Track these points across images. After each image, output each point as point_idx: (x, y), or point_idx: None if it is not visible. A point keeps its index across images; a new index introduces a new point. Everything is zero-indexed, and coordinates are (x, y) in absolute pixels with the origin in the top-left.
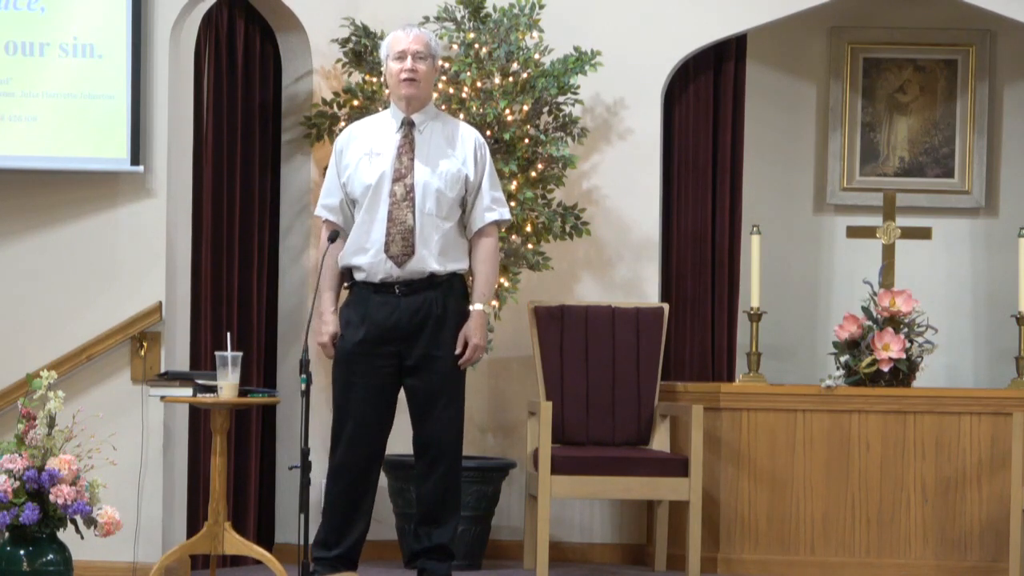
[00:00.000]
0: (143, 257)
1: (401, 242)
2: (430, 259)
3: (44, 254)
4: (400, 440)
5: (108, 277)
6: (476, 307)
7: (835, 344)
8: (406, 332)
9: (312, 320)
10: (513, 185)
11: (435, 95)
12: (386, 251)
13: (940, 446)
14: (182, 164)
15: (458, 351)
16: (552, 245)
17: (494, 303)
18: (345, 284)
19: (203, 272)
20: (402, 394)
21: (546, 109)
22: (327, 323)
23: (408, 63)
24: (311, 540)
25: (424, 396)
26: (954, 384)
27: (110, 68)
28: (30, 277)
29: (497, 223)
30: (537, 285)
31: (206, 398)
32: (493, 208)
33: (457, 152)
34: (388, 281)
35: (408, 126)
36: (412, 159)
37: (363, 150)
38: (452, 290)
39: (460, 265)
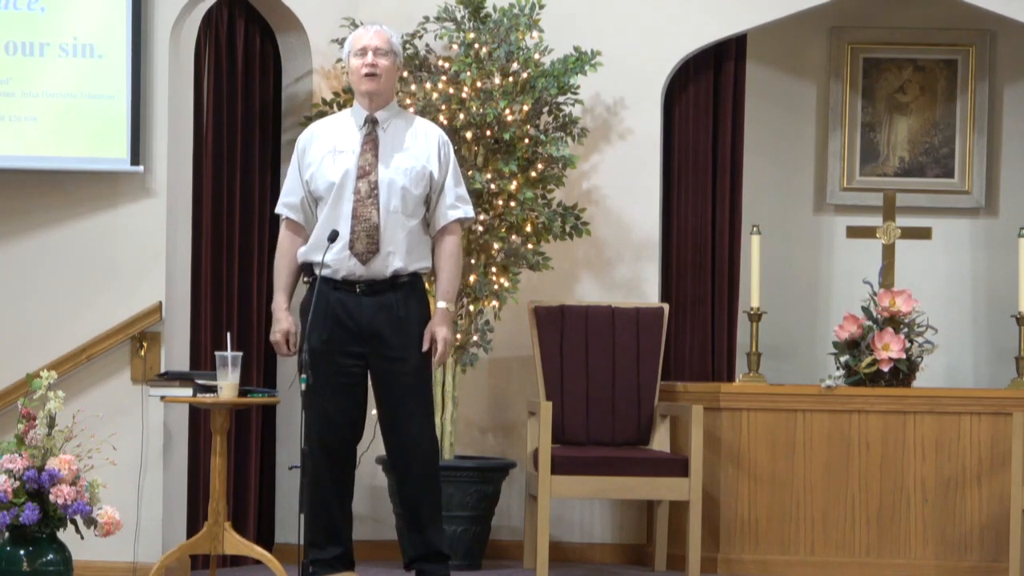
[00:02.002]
0: (143, 257)
1: (366, 239)
2: (395, 257)
3: (44, 254)
4: None
5: (108, 277)
6: (440, 304)
7: (835, 344)
8: (368, 333)
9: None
10: (513, 185)
11: (435, 95)
12: (351, 248)
13: (940, 446)
14: (182, 164)
15: (425, 347)
16: (552, 245)
17: (494, 303)
18: (304, 279)
19: (203, 272)
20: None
21: (546, 109)
22: (279, 320)
23: (369, 58)
24: (306, 544)
25: (391, 401)
26: (954, 384)
27: (110, 68)
28: (30, 277)
29: (461, 221)
30: (537, 285)
31: (206, 398)
32: (457, 206)
33: (421, 149)
34: (350, 279)
35: (371, 123)
36: (376, 156)
37: (326, 148)
38: (414, 292)
39: (423, 264)
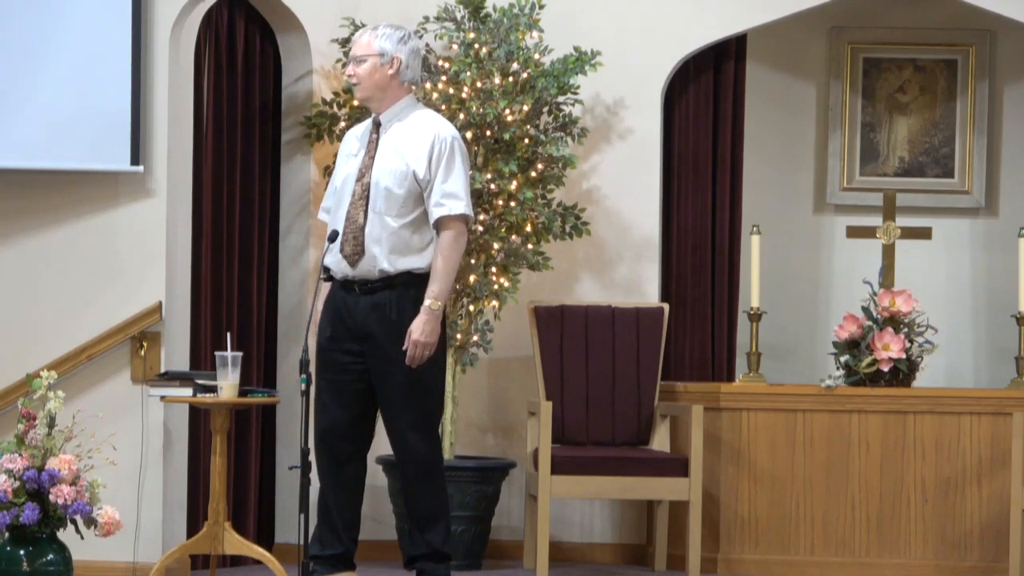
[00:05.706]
0: (143, 257)
1: (352, 241)
2: (380, 258)
3: (44, 254)
4: None
5: (108, 277)
6: (425, 303)
7: (835, 344)
8: (363, 331)
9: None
10: (513, 185)
11: (435, 95)
12: (341, 251)
13: (940, 446)
14: (182, 164)
15: (404, 347)
16: (552, 245)
17: (494, 303)
18: (321, 277)
19: (203, 272)
20: None
21: (546, 109)
22: (315, 322)
23: (349, 68)
24: (311, 540)
25: (386, 400)
26: (954, 384)
27: (110, 68)
28: (30, 277)
29: (459, 217)
30: (537, 285)
31: (206, 398)
32: (442, 204)
33: (412, 149)
34: (348, 280)
35: (376, 126)
36: (372, 158)
37: (346, 152)
38: (407, 292)
39: (412, 264)
